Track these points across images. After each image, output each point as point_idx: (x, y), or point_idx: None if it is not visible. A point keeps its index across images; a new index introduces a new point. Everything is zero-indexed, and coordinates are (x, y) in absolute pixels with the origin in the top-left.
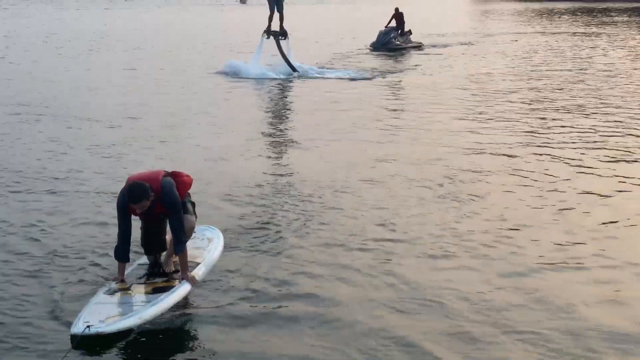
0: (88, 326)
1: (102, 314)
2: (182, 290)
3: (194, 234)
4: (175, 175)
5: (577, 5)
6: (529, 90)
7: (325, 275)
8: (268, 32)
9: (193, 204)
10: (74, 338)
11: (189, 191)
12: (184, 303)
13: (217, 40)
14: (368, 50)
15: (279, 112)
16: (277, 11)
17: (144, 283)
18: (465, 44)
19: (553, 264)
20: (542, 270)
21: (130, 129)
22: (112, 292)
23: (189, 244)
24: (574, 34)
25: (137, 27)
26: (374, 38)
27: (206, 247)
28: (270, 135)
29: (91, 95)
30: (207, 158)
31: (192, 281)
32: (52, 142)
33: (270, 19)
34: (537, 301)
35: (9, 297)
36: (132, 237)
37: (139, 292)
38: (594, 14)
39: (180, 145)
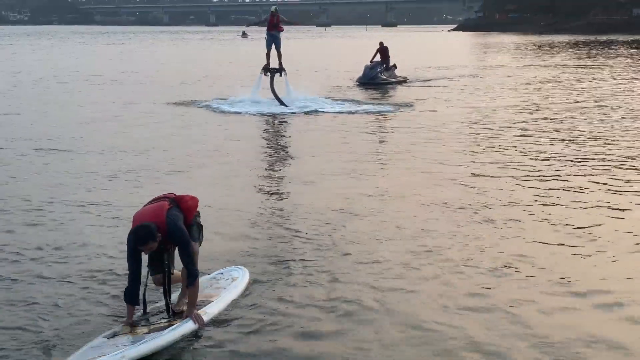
0: None
1: (88, 356)
2: (182, 328)
3: (220, 275)
4: (179, 200)
5: (579, 38)
6: (532, 122)
7: (349, 316)
8: (266, 69)
9: (200, 227)
10: None
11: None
12: (189, 341)
13: (214, 73)
14: (355, 85)
15: (281, 147)
16: (275, 49)
17: (147, 325)
18: (464, 76)
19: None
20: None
21: (134, 162)
22: (111, 336)
23: (212, 284)
24: (578, 66)
25: (138, 59)
26: (359, 72)
27: (227, 287)
28: (277, 169)
29: (98, 129)
30: (215, 194)
31: (198, 320)
32: (66, 173)
33: (268, 56)
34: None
35: (5, 337)
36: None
37: (136, 334)
38: (595, 46)
39: (185, 181)
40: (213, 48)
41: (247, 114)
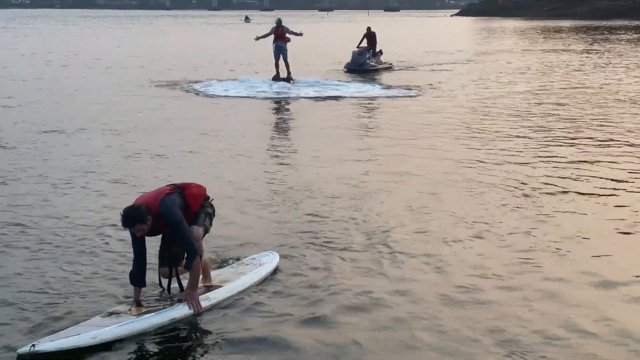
0: (33, 344)
1: (62, 334)
2: (172, 313)
3: (252, 259)
4: (184, 188)
5: (584, 23)
6: (548, 107)
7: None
8: (276, 79)
9: (208, 214)
10: (20, 357)
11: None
12: (186, 324)
13: (221, 57)
14: (344, 71)
15: (300, 130)
16: (283, 59)
17: (147, 306)
18: (465, 62)
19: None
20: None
21: (146, 142)
22: (105, 315)
23: (236, 269)
24: (584, 51)
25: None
26: (345, 58)
27: (248, 272)
28: (302, 153)
29: (109, 110)
30: (230, 179)
31: (194, 305)
32: (80, 154)
33: (277, 65)
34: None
35: (10, 317)
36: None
37: (133, 314)
38: (598, 32)
39: (199, 160)
40: (220, 33)
41: (266, 98)
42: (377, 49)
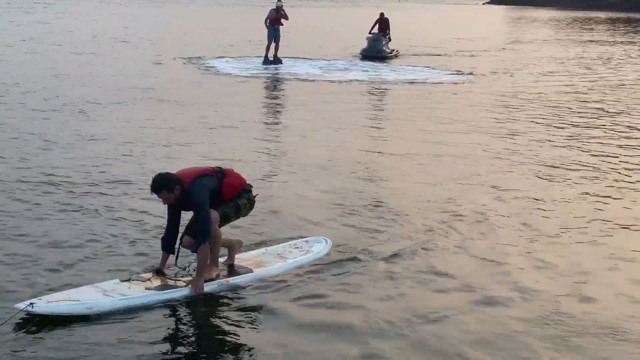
0: (31, 303)
1: (64, 296)
2: (175, 293)
3: (303, 244)
4: (226, 174)
5: (617, 14)
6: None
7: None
8: (265, 61)
9: (237, 206)
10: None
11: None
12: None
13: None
14: (359, 57)
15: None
16: (275, 41)
17: (166, 278)
18: (496, 50)
19: None
20: None
21: (190, 116)
22: (124, 280)
23: (282, 252)
24: (616, 42)
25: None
26: (359, 44)
27: (289, 258)
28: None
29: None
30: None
31: (198, 289)
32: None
33: (268, 49)
34: None
35: (39, 266)
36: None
37: (140, 286)
38: (634, 23)
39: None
40: (251, 16)
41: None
42: (388, 35)
